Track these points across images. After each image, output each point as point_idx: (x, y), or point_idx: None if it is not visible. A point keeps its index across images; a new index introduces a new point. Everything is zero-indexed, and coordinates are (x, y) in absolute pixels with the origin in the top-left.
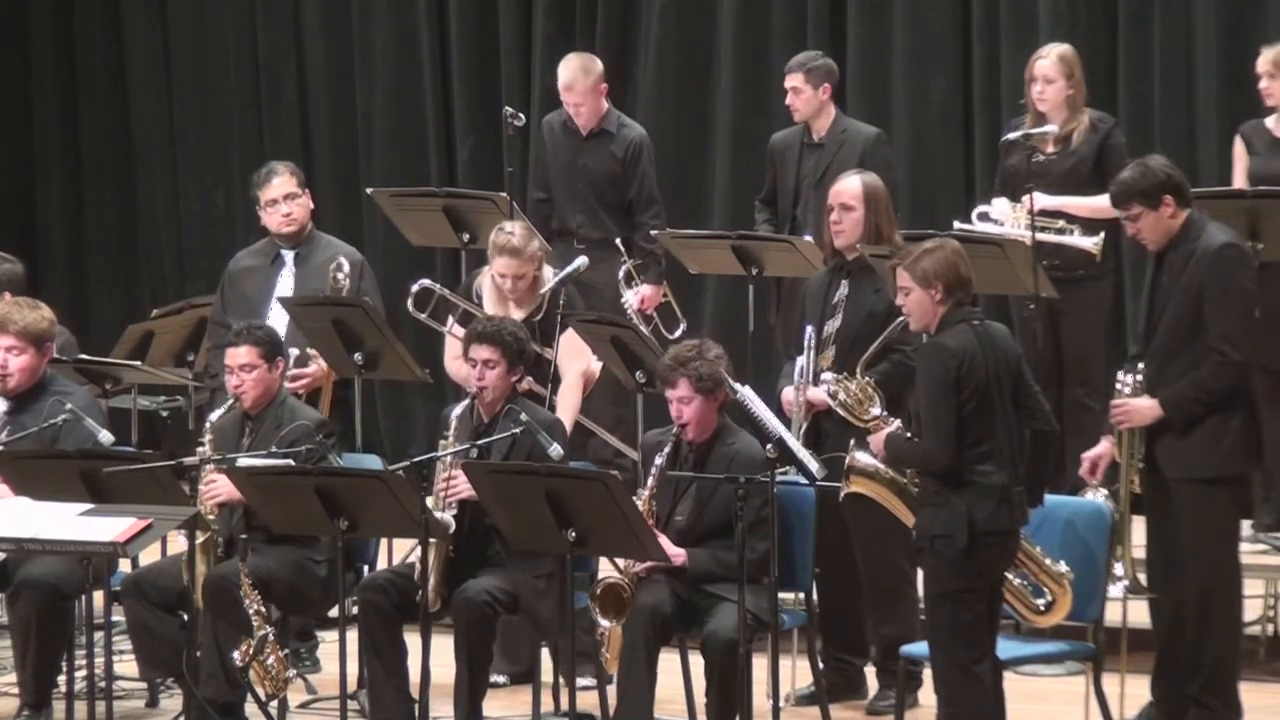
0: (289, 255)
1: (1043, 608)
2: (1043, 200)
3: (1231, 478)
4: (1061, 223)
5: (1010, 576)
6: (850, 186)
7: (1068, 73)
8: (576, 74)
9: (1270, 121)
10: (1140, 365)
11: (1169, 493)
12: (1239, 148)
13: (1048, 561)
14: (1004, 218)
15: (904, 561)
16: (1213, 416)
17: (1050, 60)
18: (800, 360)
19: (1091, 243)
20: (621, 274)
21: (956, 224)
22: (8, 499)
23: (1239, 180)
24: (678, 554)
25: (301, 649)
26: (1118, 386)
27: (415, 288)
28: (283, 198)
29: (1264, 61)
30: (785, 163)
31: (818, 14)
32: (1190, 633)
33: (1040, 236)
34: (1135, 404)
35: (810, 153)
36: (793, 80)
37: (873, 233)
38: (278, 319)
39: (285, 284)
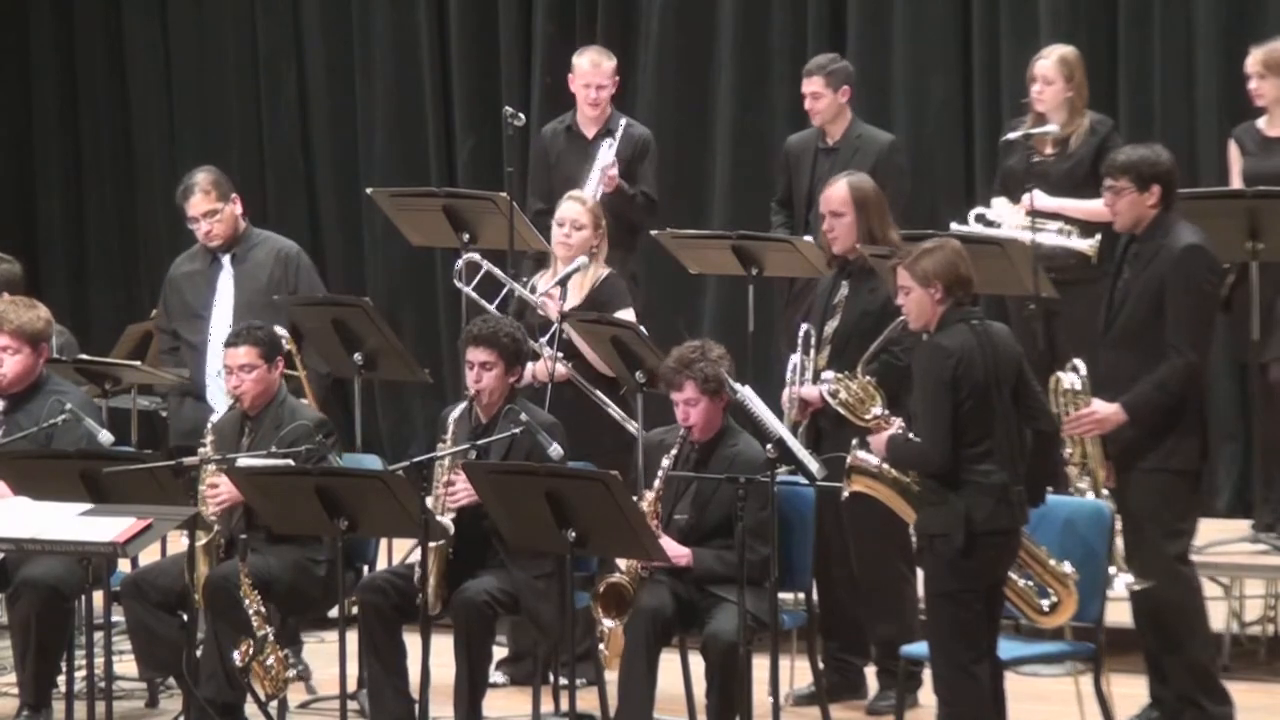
0: (225, 257)
1: (1047, 609)
2: (1041, 201)
3: (1175, 470)
4: (1059, 224)
5: (1015, 577)
6: (838, 193)
7: (1067, 74)
8: (602, 56)
9: (1261, 122)
10: (1077, 363)
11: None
12: (1233, 150)
13: (1052, 562)
14: (1002, 219)
15: (900, 562)
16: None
17: (1050, 61)
18: (794, 358)
19: (1087, 244)
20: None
21: (953, 225)
22: (8, 499)
23: (1235, 183)
24: (683, 554)
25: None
26: (1065, 386)
27: (460, 261)
28: (201, 216)
29: (1254, 62)
30: (800, 166)
31: (818, 14)
32: (1162, 631)
33: (1036, 238)
34: (1101, 413)
35: (825, 157)
36: (812, 85)
37: (865, 234)
38: (220, 322)
39: (225, 285)
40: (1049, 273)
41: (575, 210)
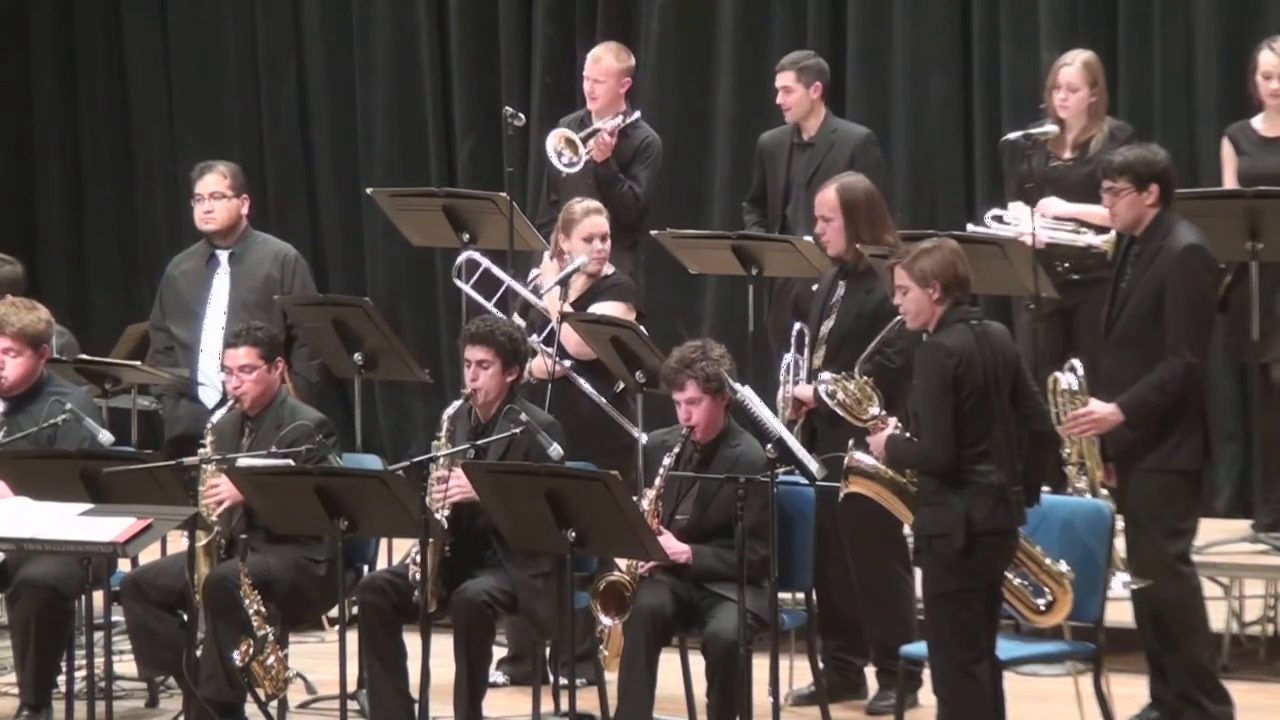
0: (223, 256)
1: (1043, 608)
2: (1058, 206)
3: (1176, 470)
4: (1074, 226)
5: (1011, 576)
6: (826, 199)
7: (1091, 80)
8: (607, 53)
9: (1257, 122)
10: (1074, 363)
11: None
12: (1227, 150)
13: (1048, 561)
14: (1020, 222)
15: (896, 563)
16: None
17: (1075, 68)
18: (788, 358)
19: (1102, 240)
20: None
21: (970, 227)
22: (8, 499)
23: (1229, 182)
24: (682, 550)
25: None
26: (1064, 386)
27: (460, 259)
28: (208, 195)
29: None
30: (775, 163)
31: (818, 14)
32: (1162, 631)
33: (1053, 238)
34: (1099, 414)
35: (800, 153)
36: (783, 79)
37: (854, 237)
38: (214, 320)
39: (221, 284)
40: (1070, 273)
41: (603, 224)
